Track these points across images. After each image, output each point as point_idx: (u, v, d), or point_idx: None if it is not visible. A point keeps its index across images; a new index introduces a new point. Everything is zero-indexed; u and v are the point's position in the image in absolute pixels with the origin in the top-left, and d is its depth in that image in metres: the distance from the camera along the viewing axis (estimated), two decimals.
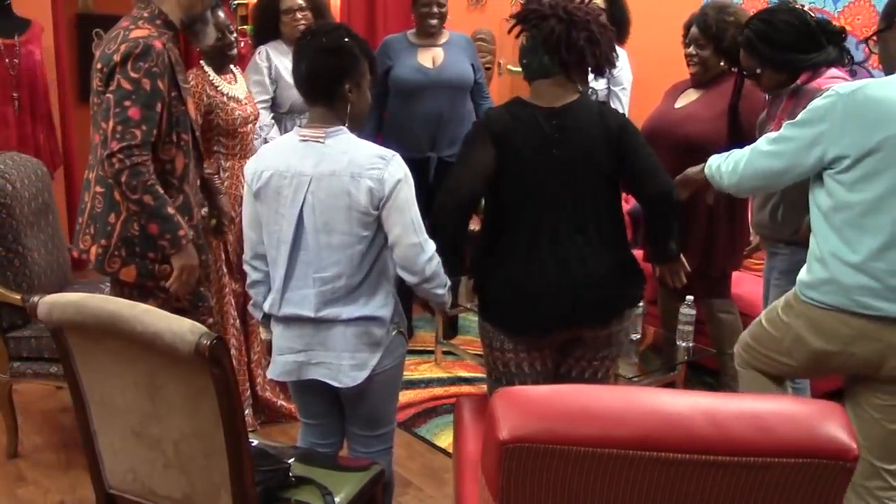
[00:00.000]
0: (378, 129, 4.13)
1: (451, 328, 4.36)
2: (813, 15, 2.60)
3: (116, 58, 2.39)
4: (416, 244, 2.15)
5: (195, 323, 1.72)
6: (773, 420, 1.40)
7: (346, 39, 2.17)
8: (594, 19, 2.25)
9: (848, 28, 2.98)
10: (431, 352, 4.17)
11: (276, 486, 2.05)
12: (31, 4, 4.62)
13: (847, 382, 2.31)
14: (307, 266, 2.17)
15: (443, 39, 4.04)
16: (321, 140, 2.14)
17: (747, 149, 2.31)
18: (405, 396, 3.74)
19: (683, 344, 3.40)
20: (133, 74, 2.38)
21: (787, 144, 2.17)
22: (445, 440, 3.34)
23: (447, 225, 2.28)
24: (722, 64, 3.22)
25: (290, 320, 2.23)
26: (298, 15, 3.70)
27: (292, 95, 3.61)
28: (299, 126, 2.25)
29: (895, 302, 2.04)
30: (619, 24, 3.89)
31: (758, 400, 1.51)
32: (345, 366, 2.19)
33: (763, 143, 2.26)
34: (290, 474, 2.09)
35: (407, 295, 4.40)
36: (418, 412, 3.62)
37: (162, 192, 2.44)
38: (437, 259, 2.21)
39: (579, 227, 2.26)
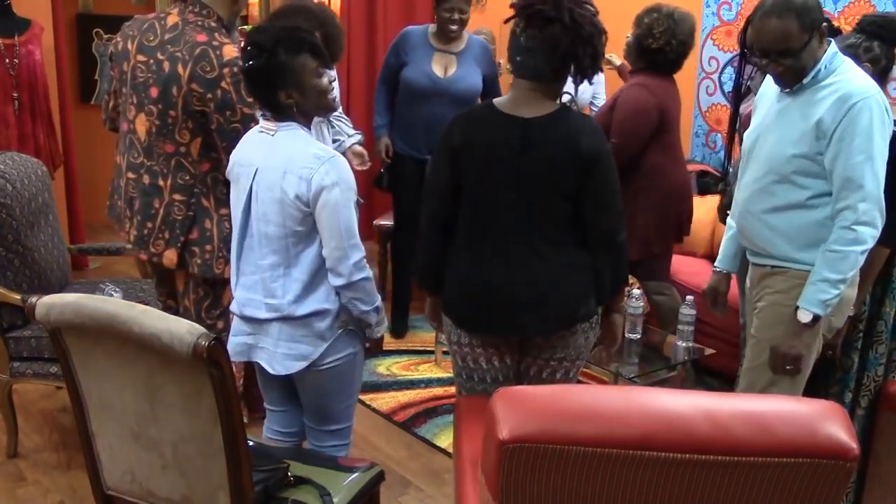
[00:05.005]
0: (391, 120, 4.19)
1: None
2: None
3: (226, 86, 2.51)
4: (340, 248, 2.15)
5: (193, 324, 1.72)
6: (773, 420, 1.39)
7: (270, 50, 2.10)
8: (598, 32, 2.17)
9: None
10: (431, 352, 4.16)
11: (275, 487, 2.05)
12: (31, 4, 4.62)
13: None
14: (250, 252, 2.26)
15: (460, 46, 4.09)
16: (272, 132, 2.21)
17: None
18: (405, 396, 3.74)
19: (683, 344, 3.40)
20: (248, 98, 2.50)
21: None
22: (445, 440, 3.34)
23: (424, 245, 2.40)
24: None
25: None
26: None
27: None
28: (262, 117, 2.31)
29: None
30: None
31: (758, 400, 1.51)
32: (279, 354, 2.24)
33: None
34: (289, 474, 2.09)
35: (405, 294, 4.42)
36: (418, 412, 3.61)
37: None
38: (366, 272, 2.21)
39: (530, 238, 2.23)
